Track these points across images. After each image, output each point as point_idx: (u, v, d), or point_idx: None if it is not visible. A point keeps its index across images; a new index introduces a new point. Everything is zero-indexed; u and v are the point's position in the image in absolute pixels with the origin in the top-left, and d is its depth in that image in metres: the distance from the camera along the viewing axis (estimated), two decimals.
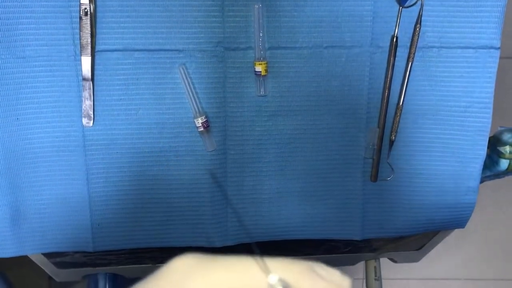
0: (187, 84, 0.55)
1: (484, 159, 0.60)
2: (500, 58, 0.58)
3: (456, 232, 0.71)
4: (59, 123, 0.55)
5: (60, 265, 0.65)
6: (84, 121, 0.55)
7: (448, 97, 0.59)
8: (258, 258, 0.21)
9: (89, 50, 0.54)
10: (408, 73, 0.58)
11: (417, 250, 0.71)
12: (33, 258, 0.62)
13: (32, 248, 0.58)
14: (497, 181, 0.69)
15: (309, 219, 0.61)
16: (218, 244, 0.60)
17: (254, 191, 0.60)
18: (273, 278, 0.20)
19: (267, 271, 0.20)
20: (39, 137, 0.55)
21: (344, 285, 0.21)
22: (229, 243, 0.60)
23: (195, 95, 0.56)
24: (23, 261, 0.63)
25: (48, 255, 0.63)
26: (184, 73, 0.55)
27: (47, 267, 0.65)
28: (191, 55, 0.55)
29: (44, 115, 0.55)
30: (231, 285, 0.20)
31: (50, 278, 0.70)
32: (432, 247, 0.71)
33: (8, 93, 0.54)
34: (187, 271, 0.21)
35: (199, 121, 0.56)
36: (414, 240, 0.69)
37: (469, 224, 0.65)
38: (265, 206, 0.60)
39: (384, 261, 0.81)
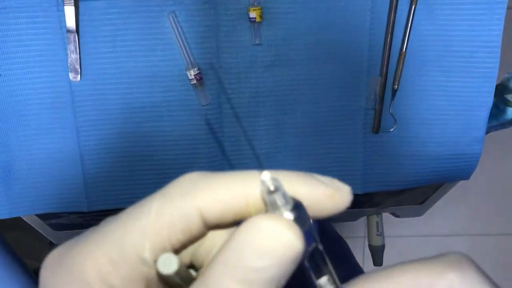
0: (177, 33, 0.52)
1: (490, 106, 0.58)
2: (508, 8, 0.55)
3: (459, 187, 0.69)
4: (45, 79, 0.53)
5: (56, 227, 0.64)
6: (71, 75, 0.53)
7: (454, 42, 0.56)
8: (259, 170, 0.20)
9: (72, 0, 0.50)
10: (411, 17, 0.54)
11: (420, 204, 0.70)
12: (28, 220, 0.61)
13: (25, 209, 0.57)
14: (501, 133, 0.67)
15: (308, 173, 0.59)
16: None
17: (251, 145, 0.58)
18: (266, 175, 0.19)
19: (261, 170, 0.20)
20: (25, 93, 0.53)
21: (345, 189, 0.21)
22: None
23: (186, 45, 0.53)
24: (23, 226, 0.62)
25: (43, 217, 0.61)
26: (174, 22, 0.52)
27: (43, 229, 0.63)
28: (180, 2, 0.52)
29: (29, 70, 0.52)
30: (236, 191, 0.20)
31: (51, 243, 0.69)
32: (435, 200, 0.70)
33: None
34: (193, 182, 0.21)
35: (192, 73, 0.53)
36: (417, 194, 0.68)
37: (472, 179, 0.63)
38: (264, 161, 0.58)
39: (386, 219, 0.79)
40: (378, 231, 0.75)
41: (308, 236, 0.19)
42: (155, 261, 0.20)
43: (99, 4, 0.51)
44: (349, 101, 0.57)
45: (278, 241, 0.18)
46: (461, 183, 0.65)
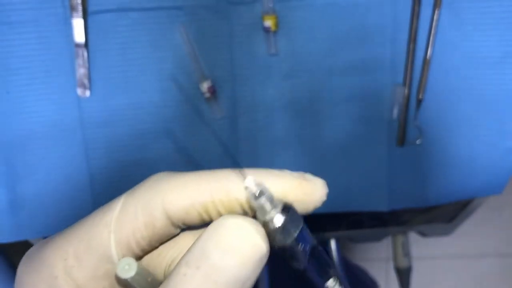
0: (189, 45, 0.50)
1: None
2: None
3: (491, 203, 0.65)
4: (52, 95, 0.51)
5: None
6: (79, 91, 0.50)
7: (482, 47, 0.52)
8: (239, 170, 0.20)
9: (80, 12, 0.49)
10: (435, 22, 0.52)
11: (449, 221, 0.65)
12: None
13: (32, 233, 0.54)
14: None
15: (331, 190, 0.55)
16: None
17: (269, 162, 0.55)
18: (249, 181, 0.19)
19: (244, 176, 0.20)
20: (32, 111, 0.51)
21: (315, 180, 0.21)
22: None
23: (198, 57, 0.50)
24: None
25: None
26: (186, 33, 0.50)
27: None
28: (192, 13, 0.50)
29: (36, 87, 0.50)
30: (200, 187, 0.20)
31: None
32: (465, 218, 0.65)
33: None
34: (159, 179, 0.21)
35: (205, 86, 0.51)
36: (447, 210, 0.63)
37: (505, 194, 0.59)
38: None
39: (411, 239, 0.75)
40: (404, 251, 0.70)
41: (302, 238, 0.19)
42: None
43: (109, 16, 0.49)
44: (371, 112, 0.54)
45: (244, 240, 0.17)
46: (493, 198, 0.61)
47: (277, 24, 0.50)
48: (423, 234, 0.68)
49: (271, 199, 0.19)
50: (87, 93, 0.51)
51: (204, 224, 0.21)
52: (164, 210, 0.20)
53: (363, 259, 1.26)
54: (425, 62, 0.53)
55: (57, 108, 0.51)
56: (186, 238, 0.22)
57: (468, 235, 1.29)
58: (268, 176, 0.20)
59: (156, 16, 0.49)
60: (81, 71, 0.50)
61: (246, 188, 0.19)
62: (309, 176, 0.21)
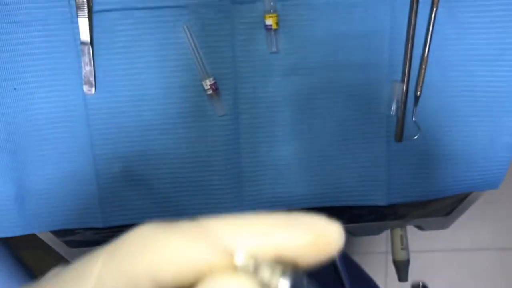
0: (192, 43, 0.51)
1: None
2: None
3: (487, 197, 0.66)
4: (59, 92, 0.52)
5: (71, 244, 0.62)
6: (85, 88, 0.52)
7: (478, 45, 0.54)
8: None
9: (85, 11, 0.50)
10: (433, 20, 0.53)
11: (446, 215, 0.66)
12: (43, 237, 0.60)
13: (40, 226, 0.56)
14: None
15: (330, 185, 0.57)
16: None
17: (270, 157, 0.56)
18: (240, 257, 0.17)
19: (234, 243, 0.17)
20: (39, 107, 0.52)
21: (331, 232, 0.17)
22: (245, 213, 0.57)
23: (201, 55, 0.52)
24: (42, 244, 0.60)
25: (58, 234, 0.60)
26: (189, 32, 0.51)
27: (58, 246, 0.62)
28: (195, 11, 0.51)
29: (42, 84, 0.52)
30: (194, 250, 0.17)
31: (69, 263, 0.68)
32: (462, 212, 0.67)
33: (3, 61, 0.50)
34: (145, 239, 0.17)
35: (207, 83, 0.52)
36: (444, 204, 0.65)
37: (501, 189, 0.61)
38: (283, 172, 0.56)
39: (408, 232, 0.76)
40: (402, 245, 0.72)
41: None
42: None
43: (113, 15, 0.50)
44: (370, 108, 0.55)
45: None
46: (490, 193, 0.62)
47: (278, 23, 0.51)
48: (420, 227, 0.70)
49: (269, 267, 0.17)
50: (93, 90, 0.52)
51: None
52: (152, 280, 0.17)
53: (362, 252, 1.28)
54: (423, 59, 0.54)
55: (64, 104, 0.52)
56: None
57: (465, 228, 1.31)
58: (272, 231, 0.17)
59: (160, 15, 0.51)
60: (87, 68, 0.51)
61: (238, 265, 0.17)
62: (322, 227, 0.18)
